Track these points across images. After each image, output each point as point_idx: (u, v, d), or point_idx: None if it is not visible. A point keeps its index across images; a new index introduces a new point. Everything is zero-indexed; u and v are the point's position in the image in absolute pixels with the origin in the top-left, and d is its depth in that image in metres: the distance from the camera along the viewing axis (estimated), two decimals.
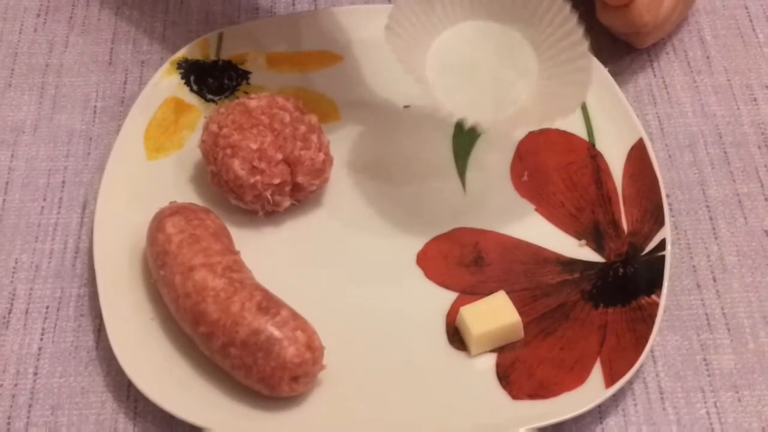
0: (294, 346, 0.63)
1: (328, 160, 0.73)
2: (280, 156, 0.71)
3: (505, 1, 0.74)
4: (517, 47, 0.74)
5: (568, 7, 0.72)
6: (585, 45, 0.71)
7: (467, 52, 0.75)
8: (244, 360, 0.64)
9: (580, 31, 0.71)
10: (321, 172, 0.72)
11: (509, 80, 0.73)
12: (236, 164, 0.70)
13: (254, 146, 0.70)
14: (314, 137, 0.72)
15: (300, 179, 0.71)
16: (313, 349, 0.64)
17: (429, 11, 0.73)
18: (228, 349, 0.64)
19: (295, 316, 0.65)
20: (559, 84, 0.72)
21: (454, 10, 0.74)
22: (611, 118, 0.76)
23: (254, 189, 0.70)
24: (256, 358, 0.63)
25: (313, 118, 0.73)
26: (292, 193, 0.72)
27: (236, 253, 0.69)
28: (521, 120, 0.71)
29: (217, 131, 0.71)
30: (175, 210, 0.69)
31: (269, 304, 0.65)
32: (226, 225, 0.71)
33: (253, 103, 0.72)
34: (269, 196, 0.71)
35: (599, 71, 0.79)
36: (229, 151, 0.70)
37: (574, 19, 0.72)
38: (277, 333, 0.63)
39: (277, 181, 0.71)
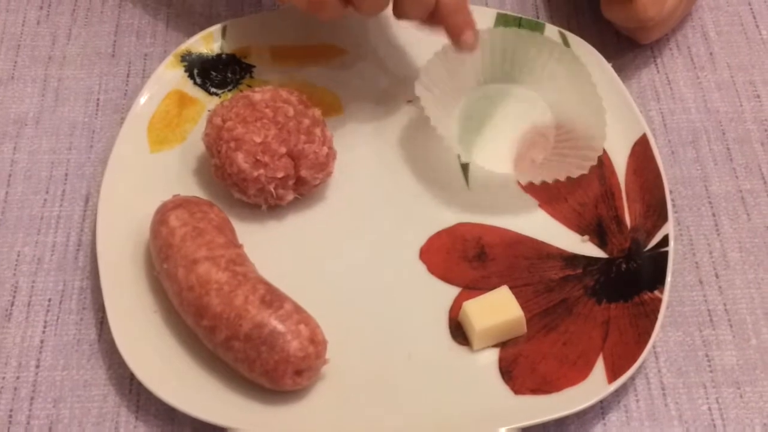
0: (297, 339, 0.63)
1: (331, 154, 0.73)
2: (283, 149, 0.71)
3: (525, 66, 0.79)
4: (538, 109, 0.78)
5: (585, 70, 0.77)
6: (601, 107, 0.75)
7: (491, 110, 0.79)
8: (247, 353, 0.64)
9: (596, 94, 0.75)
10: (324, 165, 0.72)
11: (530, 140, 0.77)
12: (240, 157, 0.70)
13: (258, 140, 0.70)
14: (318, 131, 0.72)
15: (303, 173, 0.71)
16: (317, 343, 0.64)
17: (456, 72, 0.78)
18: (231, 343, 0.64)
19: (298, 309, 0.65)
20: (574, 147, 0.75)
21: (482, 72, 0.79)
22: (615, 113, 0.76)
23: (258, 182, 0.70)
24: (260, 352, 0.63)
25: (317, 112, 0.73)
26: (296, 186, 0.72)
27: (240, 246, 0.69)
28: (537, 175, 0.74)
29: (221, 124, 0.71)
30: (179, 203, 0.69)
31: (273, 298, 0.65)
32: (229, 218, 0.71)
33: (257, 96, 0.72)
34: (272, 190, 0.71)
35: (603, 67, 0.79)
36: (232, 144, 0.70)
37: (590, 80, 0.76)
38: (280, 326, 0.63)
39: (280, 174, 0.70)
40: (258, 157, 0.70)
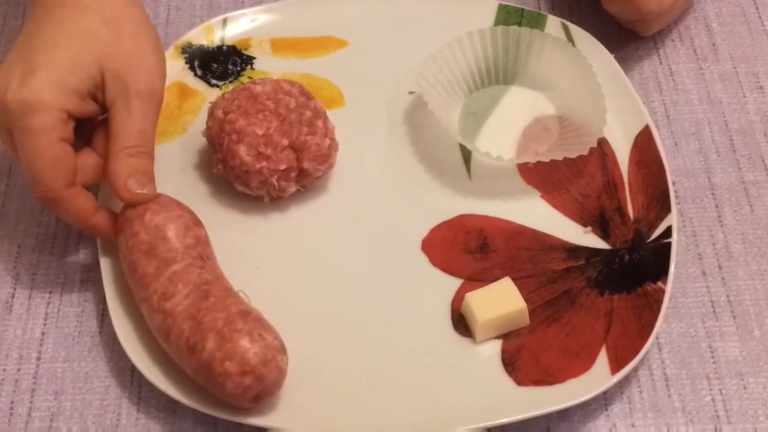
0: (228, 380, 0.61)
1: (333, 146, 0.73)
2: (286, 142, 0.70)
3: (526, 62, 0.79)
4: (540, 105, 0.79)
5: (584, 61, 0.76)
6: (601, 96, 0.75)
7: (493, 107, 0.79)
8: (208, 389, 0.63)
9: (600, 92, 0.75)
10: (327, 157, 0.72)
11: (533, 134, 0.77)
12: (242, 150, 0.70)
13: (260, 132, 0.70)
14: (320, 122, 0.72)
15: (306, 165, 0.71)
16: (251, 371, 0.61)
17: (456, 71, 0.78)
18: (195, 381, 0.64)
19: (221, 343, 0.61)
20: (575, 135, 0.75)
21: (484, 71, 0.79)
22: (617, 105, 0.76)
23: (260, 175, 0.70)
24: (213, 391, 0.63)
25: (319, 104, 0.73)
26: (298, 178, 0.72)
27: (174, 254, 0.65)
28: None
29: (223, 117, 0.71)
30: (120, 228, 0.67)
31: (196, 338, 0.62)
32: (229, 207, 0.71)
33: (258, 88, 0.72)
34: (275, 182, 0.71)
35: (605, 58, 0.79)
36: (234, 137, 0.70)
37: (590, 69, 0.76)
38: (209, 373, 0.61)
39: (283, 166, 0.70)
40: (260, 150, 0.70)
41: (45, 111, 0.64)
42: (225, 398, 0.62)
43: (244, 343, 0.61)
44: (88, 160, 0.68)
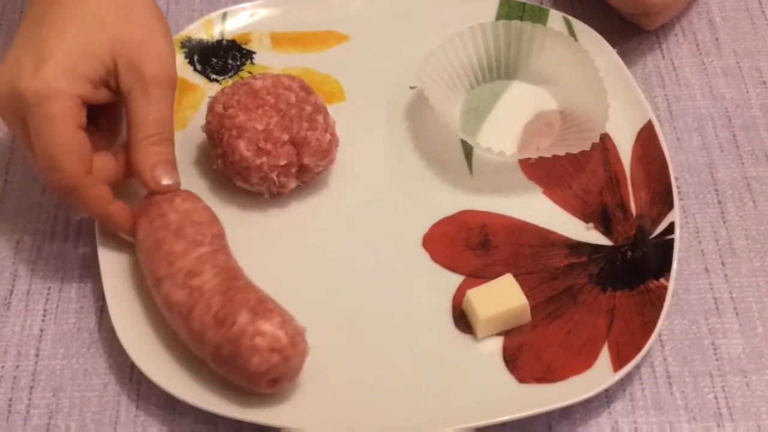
0: (257, 355, 0.61)
1: (334, 141, 0.72)
2: (286, 137, 0.70)
3: (528, 57, 0.78)
4: (542, 100, 0.78)
5: (587, 55, 0.76)
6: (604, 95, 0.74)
7: (494, 102, 0.78)
8: (221, 371, 0.63)
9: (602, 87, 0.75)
10: (327, 153, 0.72)
11: (535, 130, 0.76)
12: (242, 145, 0.69)
13: (260, 127, 0.69)
14: (320, 118, 0.71)
15: (306, 160, 0.71)
16: (280, 350, 0.61)
17: (458, 66, 0.78)
18: (206, 361, 0.64)
19: (253, 318, 0.62)
20: (577, 130, 0.75)
21: (486, 66, 0.79)
22: (620, 100, 0.76)
23: (260, 170, 0.70)
24: (229, 370, 0.62)
25: (319, 99, 0.73)
26: (298, 174, 0.71)
27: (204, 237, 0.66)
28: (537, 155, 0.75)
29: (222, 112, 0.71)
30: (142, 210, 0.67)
31: (226, 312, 0.62)
32: (229, 203, 0.71)
33: (258, 83, 0.72)
34: (275, 178, 0.70)
35: (608, 53, 0.79)
36: (234, 132, 0.70)
37: (593, 64, 0.75)
38: (236, 347, 0.61)
39: (283, 162, 0.70)
40: (260, 145, 0.69)
41: (62, 98, 0.64)
42: (243, 378, 0.62)
43: (277, 322, 0.62)
44: (105, 161, 0.68)
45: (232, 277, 0.64)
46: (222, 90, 0.73)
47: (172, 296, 0.64)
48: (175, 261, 0.64)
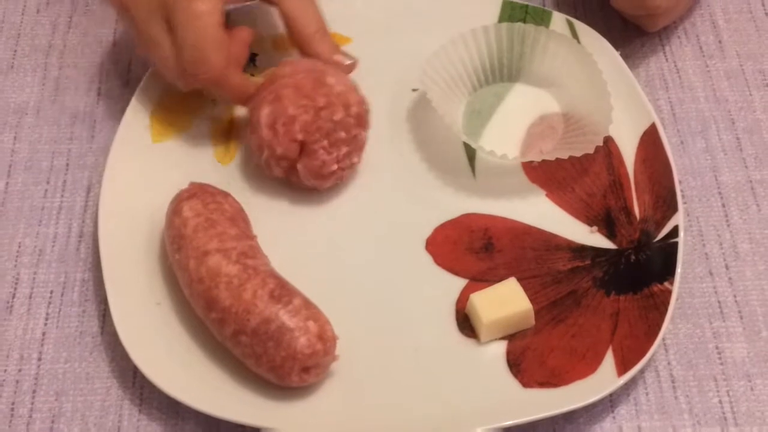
0: (305, 336, 0.62)
1: (335, 176, 0.72)
2: (300, 137, 0.69)
3: (531, 59, 0.78)
4: (545, 102, 0.78)
5: (590, 57, 0.76)
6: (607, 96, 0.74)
7: (497, 105, 0.78)
8: (254, 348, 0.63)
9: (605, 89, 0.74)
10: (321, 178, 0.71)
11: (538, 133, 0.76)
12: (266, 111, 0.70)
13: (291, 111, 0.69)
14: (344, 149, 0.71)
15: (299, 168, 0.71)
16: (325, 340, 0.63)
17: (461, 68, 0.78)
18: (239, 337, 0.63)
19: (307, 305, 0.64)
20: (581, 133, 0.75)
21: (488, 69, 0.79)
22: (623, 102, 0.75)
23: (261, 140, 0.70)
24: (267, 348, 0.62)
25: (362, 136, 0.72)
26: (287, 170, 0.71)
27: (253, 237, 0.68)
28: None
29: (283, 77, 0.71)
30: (193, 193, 0.69)
31: (282, 293, 0.64)
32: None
33: (331, 78, 0.71)
34: (266, 157, 0.71)
35: (611, 55, 0.78)
36: (272, 96, 0.70)
37: (596, 66, 0.75)
38: (288, 322, 0.63)
39: (279, 150, 0.70)
40: (276, 125, 0.69)
41: None
42: (279, 358, 0.62)
43: (325, 319, 0.64)
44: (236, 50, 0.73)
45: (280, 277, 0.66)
46: (300, 58, 0.74)
47: (222, 268, 0.64)
48: (228, 241, 0.66)
